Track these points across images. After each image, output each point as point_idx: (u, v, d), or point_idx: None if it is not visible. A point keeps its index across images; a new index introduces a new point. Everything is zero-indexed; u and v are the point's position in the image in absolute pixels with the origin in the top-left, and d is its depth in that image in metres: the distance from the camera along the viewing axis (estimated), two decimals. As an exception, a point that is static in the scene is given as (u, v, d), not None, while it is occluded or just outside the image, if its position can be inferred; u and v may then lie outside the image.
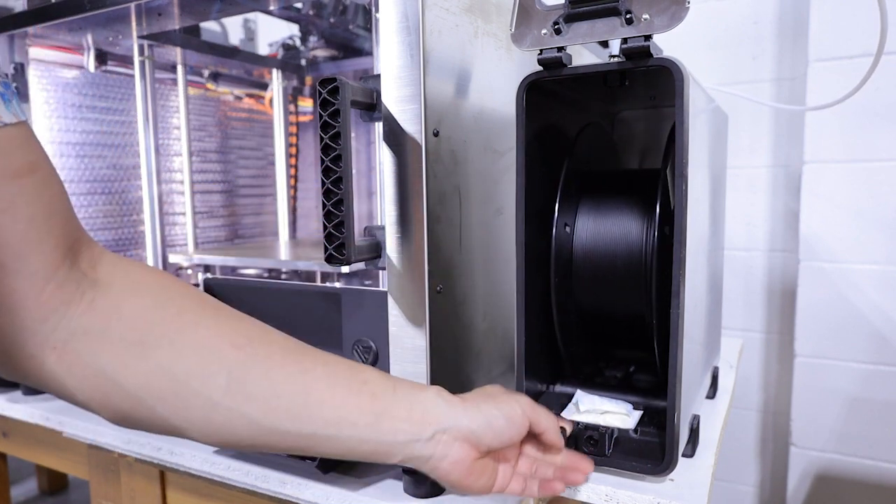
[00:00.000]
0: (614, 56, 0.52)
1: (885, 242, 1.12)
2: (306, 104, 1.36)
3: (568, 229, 0.63)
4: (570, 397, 0.66)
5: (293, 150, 1.34)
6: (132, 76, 1.03)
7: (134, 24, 0.88)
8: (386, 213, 0.56)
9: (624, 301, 0.63)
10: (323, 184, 0.52)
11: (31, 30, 0.89)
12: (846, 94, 0.82)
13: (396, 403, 0.45)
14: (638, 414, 0.62)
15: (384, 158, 0.56)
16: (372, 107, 0.56)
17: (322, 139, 0.52)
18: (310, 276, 0.88)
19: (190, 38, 1.07)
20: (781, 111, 1.25)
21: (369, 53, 1.25)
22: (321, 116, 0.52)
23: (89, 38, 0.97)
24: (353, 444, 0.44)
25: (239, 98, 1.30)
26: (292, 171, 1.34)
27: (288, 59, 1.30)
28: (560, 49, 0.52)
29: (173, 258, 1.01)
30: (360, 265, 0.57)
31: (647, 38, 0.49)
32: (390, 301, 0.57)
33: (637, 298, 0.61)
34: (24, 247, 0.36)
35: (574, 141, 0.65)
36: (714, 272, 0.78)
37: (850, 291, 1.16)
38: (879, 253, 1.13)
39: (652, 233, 0.59)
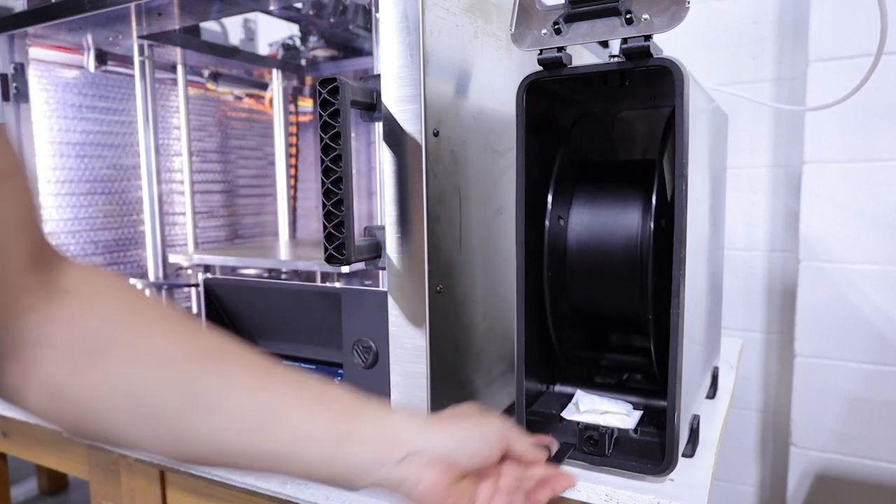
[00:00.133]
0: (614, 56, 0.52)
1: (885, 242, 1.12)
2: (306, 104, 1.36)
3: (562, 222, 0.62)
4: (570, 397, 0.66)
5: (293, 150, 1.34)
6: (132, 76, 1.03)
7: (134, 24, 0.88)
8: (386, 213, 0.56)
9: (619, 296, 0.62)
10: (323, 184, 0.52)
11: (31, 30, 0.89)
12: (846, 94, 0.82)
13: (364, 423, 0.42)
14: (638, 414, 0.62)
15: (384, 158, 0.56)
16: (372, 107, 0.56)
17: (322, 139, 0.52)
18: (310, 276, 0.88)
19: (190, 38, 1.07)
20: (781, 111, 1.25)
21: (369, 53, 1.25)
22: (321, 116, 0.52)
23: (89, 38, 0.97)
24: (316, 464, 0.41)
25: (239, 98, 1.30)
26: (292, 171, 1.34)
27: (288, 59, 1.30)
28: (560, 49, 0.52)
29: (173, 258, 1.01)
30: (360, 265, 0.57)
31: (647, 38, 0.49)
32: (390, 301, 0.57)
33: (632, 294, 0.60)
34: None
35: (569, 131, 0.64)
36: (714, 272, 0.78)
37: (850, 291, 1.16)
38: (879, 253, 1.13)
39: (647, 225, 0.58)
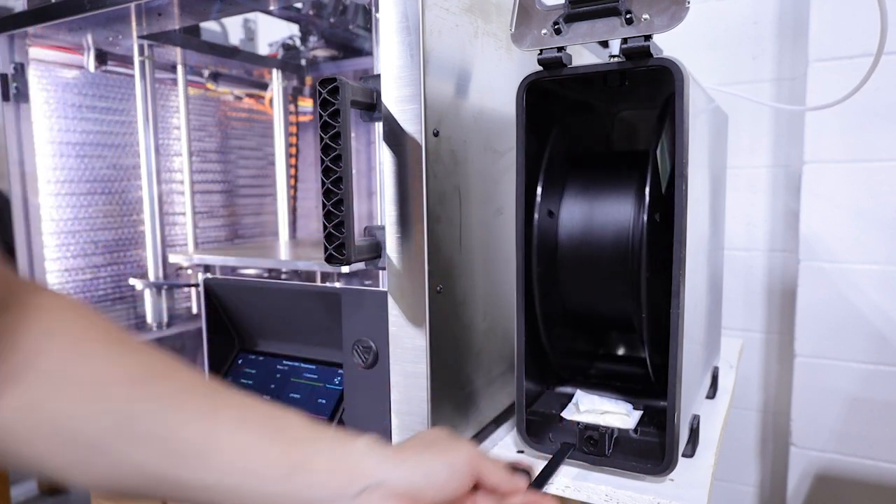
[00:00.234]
0: (614, 56, 0.52)
1: (885, 242, 1.12)
2: (306, 104, 1.36)
3: (553, 216, 0.60)
4: (570, 397, 0.66)
5: (293, 150, 1.34)
6: (132, 76, 1.03)
7: (134, 24, 0.88)
8: (386, 213, 0.56)
9: (611, 294, 0.60)
10: (323, 184, 0.52)
11: (31, 30, 0.89)
12: (846, 94, 0.82)
13: (318, 454, 0.39)
14: (638, 414, 0.62)
15: (384, 158, 0.56)
16: (372, 107, 0.56)
17: (322, 139, 0.52)
18: (310, 276, 0.88)
19: (190, 38, 1.07)
20: (781, 111, 1.25)
21: (369, 53, 1.25)
22: (321, 116, 0.52)
23: (89, 38, 0.97)
24: (262, 499, 0.38)
25: (239, 98, 1.30)
26: (292, 171, 1.34)
27: (288, 59, 1.30)
28: (560, 49, 0.52)
29: (173, 258, 1.01)
30: (360, 265, 0.57)
31: (647, 38, 0.49)
32: (390, 301, 0.57)
33: (625, 291, 0.58)
34: None
35: (558, 121, 0.62)
36: (714, 272, 0.78)
37: (850, 291, 1.16)
38: (879, 253, 1.13)
39: (640, 219, 0.56)
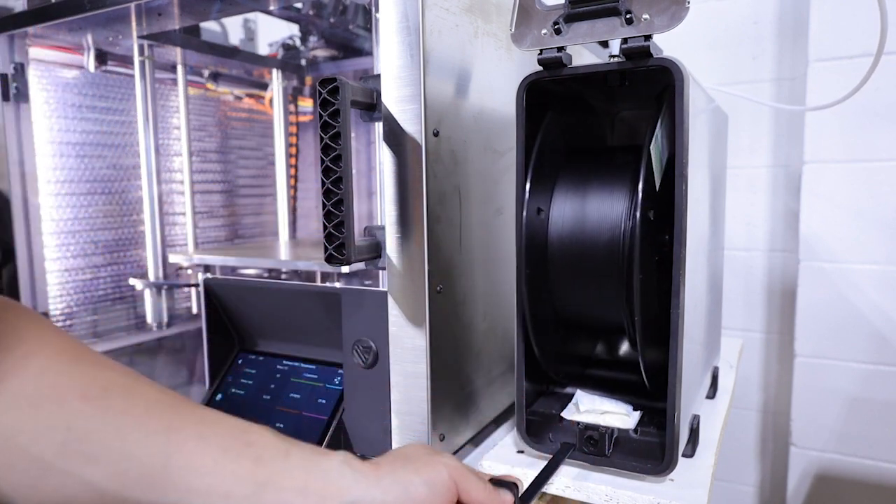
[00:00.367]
0: (614, 56, 0.52)
1: (885, 242, 1.12)
2: (306, 104, 1.36)
3: (542, 214, 0.58)
4: (570, 397, 0.66)
5: (293, 150, 1.34)
6: (132, 76, 1.03)
7: (134, 24, 0.88)
8: (386, 213, 0.56)
9: (602, 296, 0.58)
10: (323, 184, 0.52)
11: (31, 30, 0.89)
12: (846, 94, 0.82)
13: (288, 471, 0.37)
14: (638, 414, 0.62)
15: (384, 158, 0.56)
16: (372, 107, 0.56)
17: (322, 139, 0.52)
18: (310, 276, 0.88)
19: (190, 38, 1.07)
20: (781, 111, 1.25)
21: (369, 53, 1.25)
22: (321, 116, 0.52)
23: (89, 38, 0.97)
24: None
25: (239, 98, 1.30)
26: (292, 171, 1.34)
27: (288, 59, 1.30)
28: (560, 49, 0.52)
29: (173, 258, 1.01)
30: (360, 265, 0.57)
31: (647, 38, 0.49)
32: (390, 301, 0.57)
33: (617, 293, 0.56)
34: None
35: (546, 114, 0.59)
36: (714, 272, 0.78)
37: (850, 291, 1.16)
38: (879, 253, 1.13)
39: (633, 217, 0.53)
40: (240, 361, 0.83)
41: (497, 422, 0.70)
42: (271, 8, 0.97)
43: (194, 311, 1.12)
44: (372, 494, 0.38)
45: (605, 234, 0.56)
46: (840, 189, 1.15)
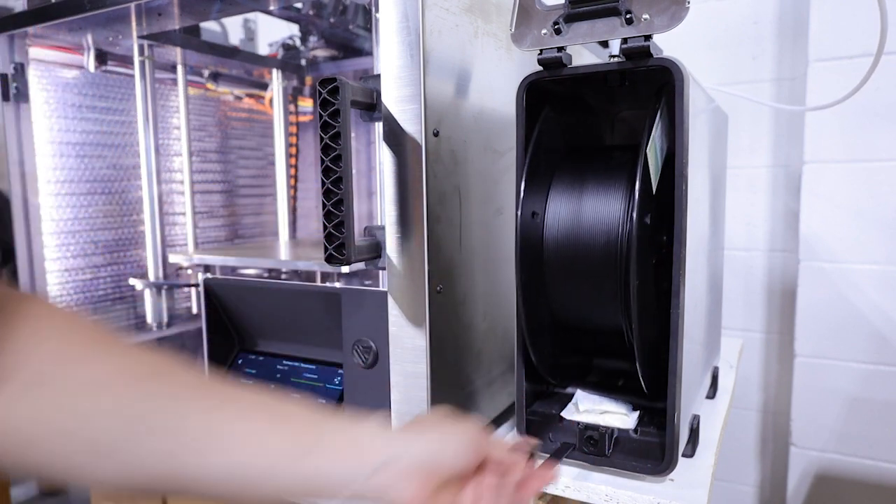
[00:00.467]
0: (614, 56, 0.52)
1: (885, 242, 1.12)
2: (306, 104, 1.36)
3: (537, 217, 0.57)
4: (570, 397, 0.66)
5: (293, 150, 1.34)
6: (132, 76, 1.03)
7: (134, 24, 0.88)
8: (386, 213, 0.56)
9: (598, 303, 0.57)
10: (323, 184, 0.52)
11: (31, 30, 0.89)
12: (846, 94, 0.82)
13: (328, 437, 0.40)
14: (638, 414, 0.62)
15: (384, 158, 0.56)
16: (372, 107, 0.56)
17: (322, 139, 0.52)
18: (310, 276, 0.88)
19: (190, 38, 1.07)
20: (781, 111, 1.25)
21: (369, 53, 1.25)
22: (321, 116, 0.52)
23: (89, 38, 0.97)
24: (278, 483, 0.38)
25: (239, 98, 1.30)
26: (292, 171, 1.34)
27: (288, 59, 1.30)
28: (560, 49, 0.52)
29: (173, 258, 1.01)
30: (360, 265, 0.57)
31: (647, 38, 0.49)
32: (390, 301, 0.57)
33: (613, 299, 0.55)
34: None
35: (540, 113, 0.58)
36: (714, 272, 0.78)
37: (850, 291, 1.16)
38: (879, 253, 1.13)
39: (629, 223, 0.53)
40: (240, 361, 0.83)
41: (497, 422, 0.70)
42: (271, 8, 0.97)
43: (194, 311, 1.12)
44: (408, 451, 0.41)
45: (601, 237, 0.55)
46: (840, 189, 1.14)
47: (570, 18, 0.51)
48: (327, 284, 0.78)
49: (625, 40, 0.50)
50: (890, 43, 0.77)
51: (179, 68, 1.11)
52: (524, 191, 0.55)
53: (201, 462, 0.37)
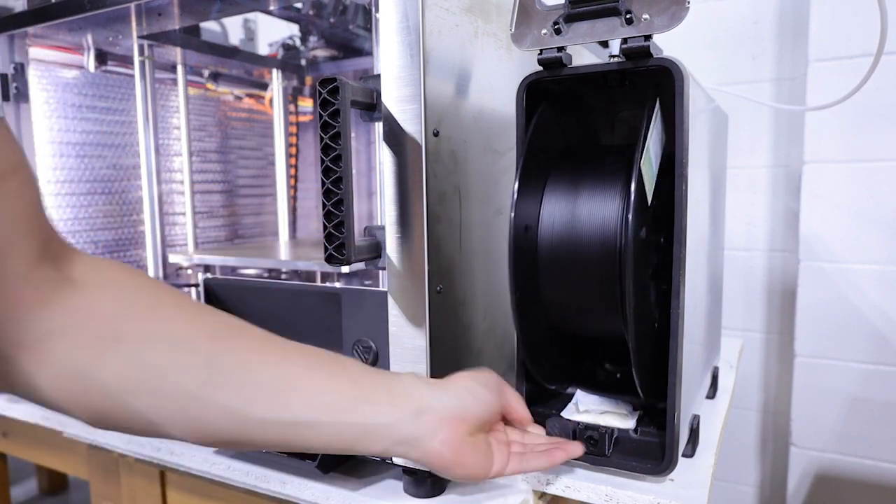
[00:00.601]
0: (614, 56, 0.52)
1: (885, 242, 1.12)
2: (306, 104, 1.36)
3: (531, 223, 0.56)
4: (570, 397, 0.66)
5: (293, 150, 1.34)
6: (132, 76, 1.03)
7: (134, 24, 0.88)
8: (386, 213, 0.56)
9: (595, 314, 0.56)
10: (323, 184, 0.52)
11: (31, 30, 0.89)
12: (846, 94, 0.82)
13: (377, 386, 0.46)
14: (638, 414, 0.62)
15: (384, 158, 0.56)
16: (372, 107, 0.56)
17: (322, 139, 0.52)
18: (310, 276, 0.88)
19: (190, 38, 1.07)
20: (781, 111, 1.25)
21: (369, 53, 1.25)
22: (321, 116, 0.52)
23: (89, 38, 0.97)
24: (337, 429, 0.43)
25: (239, 98, 1.30)
26: (292, 171, 1.34)
27: (288, 59, 1.30)
28: (560, 49, 0.52)
29: (173, 258, 1.00)
30: (360, 265, 0.57)
31: (647, 38, 0.49)
32: (390, 301, 0.57)
33: (611, 311, 0.54)
34: (6, 248, 0.35)
35: (535, 112, 0.57)
36: (714, 272, 0.78)
37: (850, 291, 1.16)
38: (879, 253, 1.13)
39: (623, 236, 0.52)
40: (240, 361, 0.82)
41: (497, 422, 0.70)
42: (271, 8, 0.97)
43: (194, 311, 1.12)
44: (443, 399, 0.47)
45: (595, 247, 0.54)
46: (840, 189, 1.15)
47: (570, 18, 0.51)
48: (327, 284, 0.78)
49: (625, 40, 0.50)
50: (890, 43, 0.77)
51: (179, 68, 1.11)
52: (518, 190, 0.54)
53: (273, 408, 0.42)
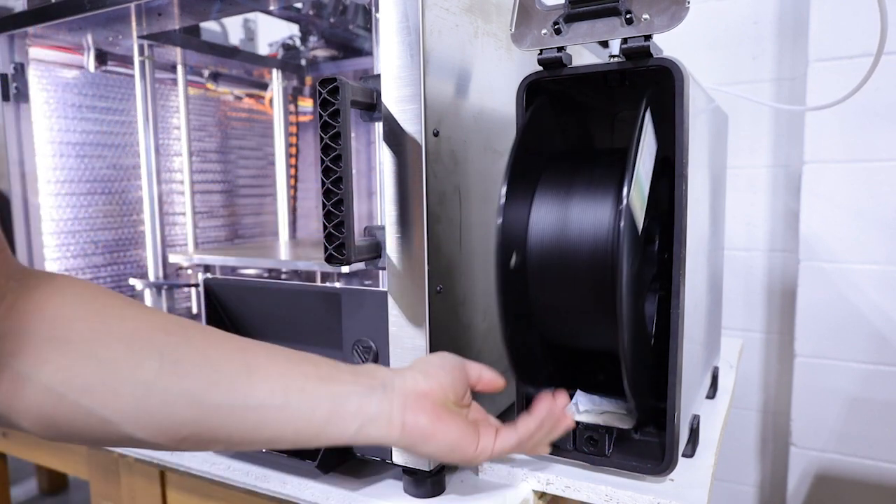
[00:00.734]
0: (614, 56, 0.52)
1: (885, 242, 1.12)
2: (306, 104, 1.36)
3: (520, 226, 0.55)
4: (570, 397, 0.66)
5: (293, 150, 1.34)
6: (132, 76, 1.03)
7: (134, 24, 0.88)
8: (386, 213, 0.56)
9: (588, 324, 0.54)
10: (323, 184, 0.52)
11: (31, 30, 0.89)
12: (846, 94, 0.82)
13: (340, 368, 0.46)
14: (637, 414, 0.62)
15: (384, 158, 0.56)
16: (372, 107, 0.56)
17: (322, 139, 0.52)
18: (310, 276, 0.88)
19: (190, 38, 1.07)
20: (781, 111, 1.25)
21: (369, 53, 1.25)
22: (321, 116, 0.52)
23: (89, 38, 0.97)
24: (305, 411, 0.42)
25: (239, 98, 1.30)
26: (292, 171, 1.34)
27: (288, 59, 1.30)
28: (560, 49, 0.52)
29: (173, 258, 1.01)
30: (360, 265, 0.57)
31: (647, 38, 0.49)
32: (390, 301, 0.57)
33: (604, 320, 0.52)
34: None
35: (526, 111, 0.56)
36: (714, 272, 0.78)
37: (850, 291, 1.16)
38: (879, 253, 1.13)
39: (617, 235, 0.50)
40: (240, 361, 0.82)
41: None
42: (271, 8, 0.97)
43: (194, 311, 1.12)
44: (406, 374, 0.48)
45: (586, 262, 0.52)
46: (840, 189, 1.15)
47: (570, 18, 0.51)
48: (327, 284, 0.78)
49: (625, 40, 0.50)
50: (890, 43, 0.77)
51: (179, 68, 1.11)
52: (506, 192, 0.52)
53: (238, 394, 0.40)
